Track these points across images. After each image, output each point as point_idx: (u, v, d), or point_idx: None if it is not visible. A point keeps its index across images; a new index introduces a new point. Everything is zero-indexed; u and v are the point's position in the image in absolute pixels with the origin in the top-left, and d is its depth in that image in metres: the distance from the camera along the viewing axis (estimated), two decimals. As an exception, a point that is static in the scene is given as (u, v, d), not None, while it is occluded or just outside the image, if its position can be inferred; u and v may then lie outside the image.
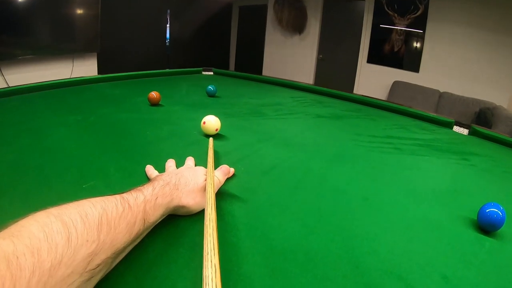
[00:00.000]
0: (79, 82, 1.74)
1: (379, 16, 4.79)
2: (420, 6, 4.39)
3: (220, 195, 0.60)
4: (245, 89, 1.89)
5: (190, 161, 0.70)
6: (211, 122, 0.94)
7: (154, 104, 1.30)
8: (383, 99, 1.96)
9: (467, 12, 4.12)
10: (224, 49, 7.58)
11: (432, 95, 4.25)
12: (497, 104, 3.82)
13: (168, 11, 5.81)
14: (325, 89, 1.85)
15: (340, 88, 1.91)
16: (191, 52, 6.48)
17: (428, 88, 4.32)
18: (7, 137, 0.86)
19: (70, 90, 1.58)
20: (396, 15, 4.61)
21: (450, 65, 4.34)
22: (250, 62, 7.19)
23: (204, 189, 0.54)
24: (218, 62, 7.34)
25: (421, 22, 4.44)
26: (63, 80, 1.69)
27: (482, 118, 3.60)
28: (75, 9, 3.80)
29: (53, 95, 1.46)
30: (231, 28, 7.49)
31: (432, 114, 1.64)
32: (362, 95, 1.80)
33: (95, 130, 0.98)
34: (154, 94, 1.29)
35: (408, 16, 4.52)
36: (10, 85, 3.24)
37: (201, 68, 2.53)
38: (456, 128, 1.60)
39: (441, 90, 4.27)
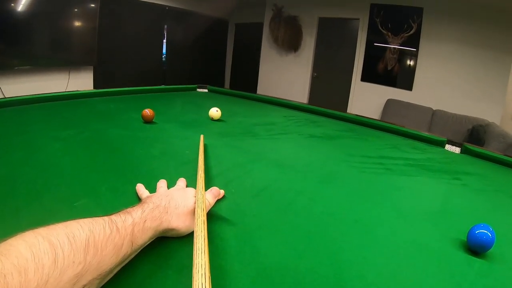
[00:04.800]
0: (74, 96, 1.75)
1: (373, 34, 4.89)
2: (413, 24, 4.50)
3: (210, 217, 0.60)
4: (238, 107, 1.91)
5: (181, 182, 0.70)
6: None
7: (148, 121, 1.30)
8: (376, 118, 1.98)
9: (459, 31, 4.24)
10: (220, 65, 7.68)
11: (425, 113, 4.30)
12: (490, 121, 3.89)
13: (165, 26, 5.90)
14: (318, 108, 1.87)
15: (334, 107, 1.94)
16: (187, 67, 6.54)
17: (421, 106, 4.38)
18: (-2, 150, 0.86)
19: (65, 104, 1.59)
20: (389, 33, 4.71)
21: (443, 83, 4.42)
22: (246, 78, 7.28)
23: (194, 211, 0.54)
24: (214, 77, 7.44)
25: (414, 41, 4.54)
26: (58, 94, 1.70)
27: (474, 136, 3.64)
28: (73, 22, 3.88)
29: (47, 108, 1.48)
30: (227, 44, 7.62)
31: (424, 133, 1.66)
32: (356, 115, 1.82)
33: (88, 146, 0.98)
34: (147, 112, 1.30)
35: (402, 35, 4.62)
36: (6, 96, 3.31)
37: (195, 85, 2.55)
38: (448, 147, 1.62)
39: (434, 108, 4.33)
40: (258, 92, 6.42)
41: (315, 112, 1.87)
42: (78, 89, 3.75)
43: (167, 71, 6.19)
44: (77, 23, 3.91)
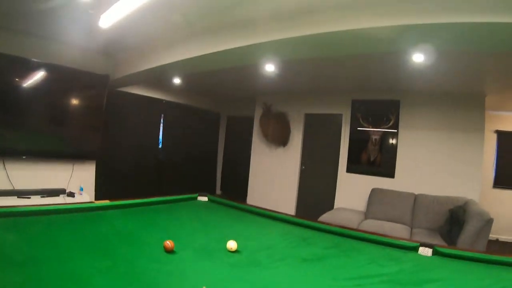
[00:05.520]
0: (91, 208, 2.03)
1: (356, 128, 5.43)
2: (391, 117, 5.10)
3: None
4: (239, 224, 2.17)
5: None
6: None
7: (169, 252, 1.54)
8: (357, 229, 2.29)
9: (433, 117, 4.83)
10: (212, 151, 8.33)
11: (408, 198, 4.63)
12: (469, 198, 4.21)
13: (162, 116, 6.69)
14: (308, 222, 2.19)
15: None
16: (182, 155, 7.20)
17: (404, 192, 4.71)
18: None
19: (85, 217, 1.87)
20: (371, 126, 5.28)
21: (422, 168, 4.85)
22: (237, 166, 7.88)
23: None
24: (207, 162, 8.12)
25: (393, 132, 5.10)
26: (78, 206, 2.00)
27: (454, 217, 3.91)
28: (82, 118, 4.38)
29: (70, 220, 1.75)
30: (219, 134, 8.36)
31: (399, 241, 1.96)
32: (340, 227, 2.13)
33: (129, 283, 1.17)
34: (169, 244, 1.53)
35: (382, 127, 5.19)
36: (13, 184, 3.69)
37: (196, 194, 2.84)
38: (421, 250, 1.89)
39: (416, 193, 4.66)
40: (249, 186, 6.82)
41: (306, 226, 2.17)
42: (82, 183, 4.13)
43: (164, 160, 6.83)
44: (85, 122, 4.43)
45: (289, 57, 3.40)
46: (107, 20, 2.78)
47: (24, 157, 3.88)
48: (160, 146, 6.80)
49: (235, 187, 8.05)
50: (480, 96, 4.54)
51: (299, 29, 2.51)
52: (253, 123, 7.02)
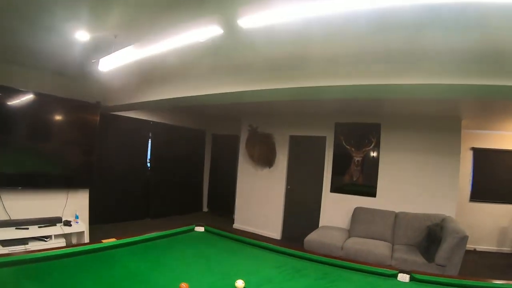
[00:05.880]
0: (99, 249, 2.17)
1: (339, 150, 5.74)
2: (373, 140, 5.44)
3: None
4: (237, 258, 2.35)
5: None
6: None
7: None
8: (343, 258, 2.53)
9: (412, 140, 5.20)
10: (199, 168, 8.63)
11: (389, 216, 4.93)
12: (446, 215, 4.55)
13: (150, 136, 6.98)
14: (300, 253, 2.43)
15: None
16: (170, 175, 7.52)
17: (385, 210, 5.03)
18: None
19: (97, 258, 2.02)
20: (353, 148, 5.61)
21: (402, 187, 5.20)
22: (223, 186, 8.15)
23: None
24: (194, 178, 8.46)
25: (374, 153, 5.44)
26: (89, 247, 2.14)
27: (432, 235, 4.22)
28: (75, 151, 4.53)
29: (81, 264, 1.89)
30: (205, 152, 8.67)
31: (381, 269, 2.21)
32: (329, 257, 2.38)
33: None
34: (184, 286, 1.69)
35: (363, 149, 5.53)
36: (10, 215, 3.80)
37: (193, 226, 3.02)
38: (400, 276, 2.15)
39: (396, 211, 4.98)
40: (237, 206, 7.04)
41: (297, 257, 2.41)
42: (76, 210, 4.25)
43: (152, 180, 7.13)
44: (79, 153, 4.58)
45: (274, 100, 3.70)
46: (107, 66, 2.99)
47: (20, 188, 3.98)
48: (148, 166, 7.01)
49: (221, 204, 8.29)
50: (457, 120, 4.95)
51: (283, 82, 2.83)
52: (238, 141, 7.25)
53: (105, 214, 5.71)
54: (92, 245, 2.21)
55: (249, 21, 2.10)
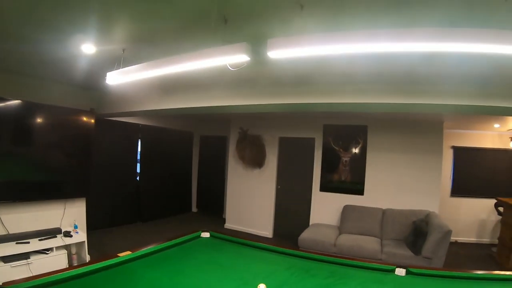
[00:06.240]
0: (118, 263, 2.21)
1: (327, 150, 5.96)
2: (360, 141, 5.71)
3: None
4: (251, 264, 2.46)
5: None
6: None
7: None
8: (348, 257, 2.72)
9: (397, 141, 5.52)
10: (187, 170, 8.73)
11: (376, 213, 5.21)
12: (431, 211, 4.87)
13: (139, 139, 7.06)
14: (307, 254, 2.62)
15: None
16: (159, 176, 7.60)
17: (373, 207, 5.30)
18: None
19: (119, 272, 2.10)
20: (341, 149, 5.86)
21: (388, 185, 5.50)
22: (212, 186, 8.34)
23: None
24: (183, 178, 8.55)
25: (362, 154, 5.71)
26: (104, 264, 2.14)
27: (418, 230, 4.51)
28: (70, 161, 4.49)
29: (105, 281, 1.92)
30: (192, 153, 8.75)
31: (381, 265, 2.43)
32: (335, 257, 2.58)
33: None
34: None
35: (351, 150, 5.79)
36: (7, 229, 3.74)
37: (199, 232, 3.14)
38: (397, 271, 2.38)
39: (384, 208, 5.26)
40: (227, 206, 7.18)
41: (304, 257, 2.60)
42: (74, 219, 4.26)
43: (142, 183, 7.21)
44: (74, 163, 4.53)
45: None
46: (114, 80, 3.08)
47: (17, 201, 3.95)
48: (138, 169, 7.06)
49: (210, 204, 8.41)
50: (438, 122, 5.28)
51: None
52: (226, 142, 7.39)
53: (97, 220, 5.70)
54: (110, 260, 2.22)
55: (278, 53, 2.25)
